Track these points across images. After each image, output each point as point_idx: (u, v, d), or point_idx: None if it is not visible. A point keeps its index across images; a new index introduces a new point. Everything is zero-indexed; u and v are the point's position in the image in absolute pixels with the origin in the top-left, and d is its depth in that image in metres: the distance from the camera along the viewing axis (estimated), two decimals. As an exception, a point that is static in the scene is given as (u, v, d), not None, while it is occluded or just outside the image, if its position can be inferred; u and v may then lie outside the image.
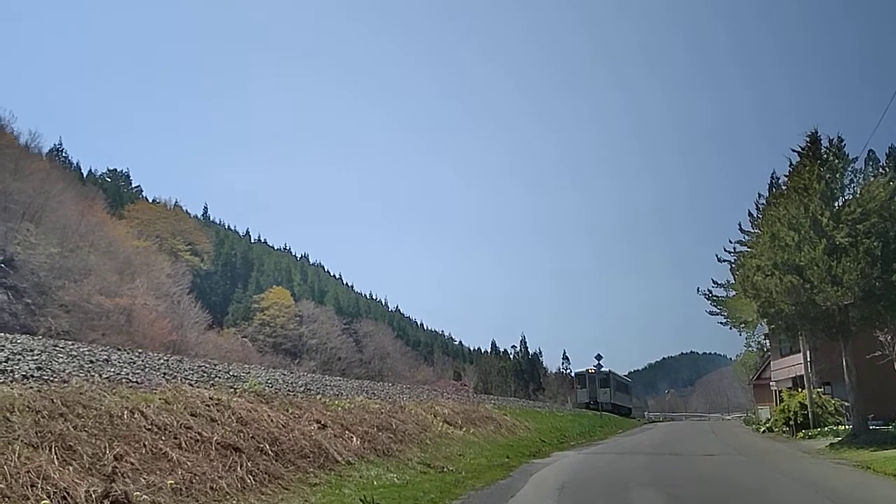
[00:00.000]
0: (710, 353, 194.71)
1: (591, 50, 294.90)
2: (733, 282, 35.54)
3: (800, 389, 36.73)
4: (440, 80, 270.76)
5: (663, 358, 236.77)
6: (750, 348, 70.01)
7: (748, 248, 33.93)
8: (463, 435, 23.62)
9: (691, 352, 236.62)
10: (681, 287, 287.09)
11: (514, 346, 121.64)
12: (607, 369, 70.95)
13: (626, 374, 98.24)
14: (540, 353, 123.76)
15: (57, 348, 12.94)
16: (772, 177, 32.93)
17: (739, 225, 35.85)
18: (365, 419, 18.18)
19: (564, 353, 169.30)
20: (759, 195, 33.75)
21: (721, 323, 40.50)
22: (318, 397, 18.88)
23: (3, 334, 13.37)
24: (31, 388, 9.91)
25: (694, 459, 21.92)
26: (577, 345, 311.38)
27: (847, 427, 29.02)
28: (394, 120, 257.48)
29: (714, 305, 39.91)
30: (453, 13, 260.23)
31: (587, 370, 73.60)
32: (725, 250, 37.69)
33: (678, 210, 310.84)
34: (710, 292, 39.64)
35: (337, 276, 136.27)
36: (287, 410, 15.28)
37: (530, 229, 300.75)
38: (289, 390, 18.34)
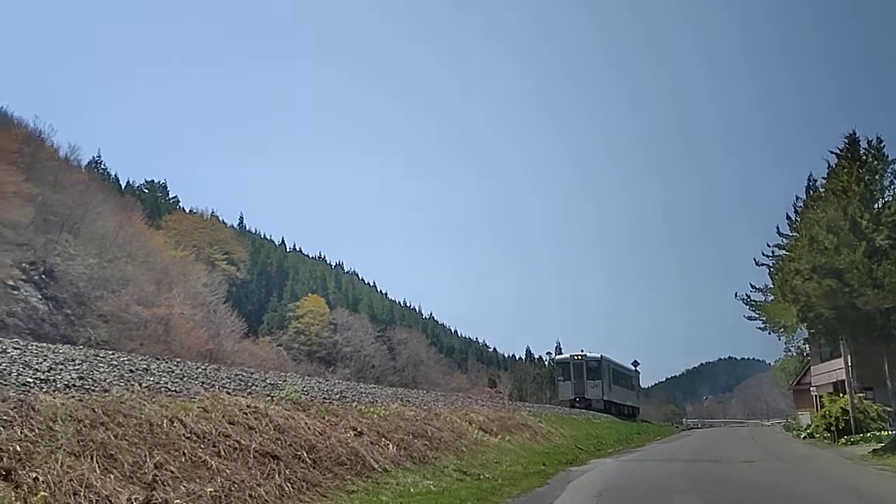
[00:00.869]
0: (748, 359, 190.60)
1: (600, 51, 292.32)
2: (771, 286, 35.21)
3: (841, 395, 36.08)
4: (462, 82, 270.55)
5: (701, 364, 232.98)
6: (789, 353, 68.20)
7: (787, 251, 33.60)
8: (498, 442, 23.51)
9: (730, 357, 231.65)
10: (719, 292, 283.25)
11: (549, 353, 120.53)
12: (599, 354, 59.02)
13: (664, 380, 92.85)
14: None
15: (98, 358, 13.09)
16: (809, 179, 32.67)
17: (777, 228, 35.60)
18: (400, 426, 18.19)
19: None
20: (797, 198, 33.47)
21: (760, 328, 40.24)
22: (354, 405, 18.92)
23: (45, 344, 13.64)
24: (73, 397, 10.04)
25: (733, 466, 21.62)
26: (614, 351, 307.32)
27: (890, 433, 28.47)
28: (416, 120, 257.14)
29: (753, 310, 39.63)
30: (475, 15, 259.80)
31: (572, 356, 59.76)
32: (764, 254, 37.41)
33: (691, 213, 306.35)
34: (749, 297, 39.37)
35: (371, 284, 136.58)
36: (323, 418, 15.34)
37: (546, 236, 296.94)
38: (325, 398, 18.38)
